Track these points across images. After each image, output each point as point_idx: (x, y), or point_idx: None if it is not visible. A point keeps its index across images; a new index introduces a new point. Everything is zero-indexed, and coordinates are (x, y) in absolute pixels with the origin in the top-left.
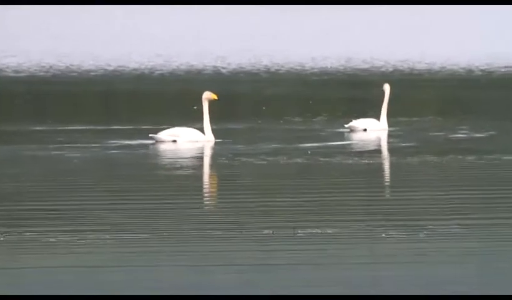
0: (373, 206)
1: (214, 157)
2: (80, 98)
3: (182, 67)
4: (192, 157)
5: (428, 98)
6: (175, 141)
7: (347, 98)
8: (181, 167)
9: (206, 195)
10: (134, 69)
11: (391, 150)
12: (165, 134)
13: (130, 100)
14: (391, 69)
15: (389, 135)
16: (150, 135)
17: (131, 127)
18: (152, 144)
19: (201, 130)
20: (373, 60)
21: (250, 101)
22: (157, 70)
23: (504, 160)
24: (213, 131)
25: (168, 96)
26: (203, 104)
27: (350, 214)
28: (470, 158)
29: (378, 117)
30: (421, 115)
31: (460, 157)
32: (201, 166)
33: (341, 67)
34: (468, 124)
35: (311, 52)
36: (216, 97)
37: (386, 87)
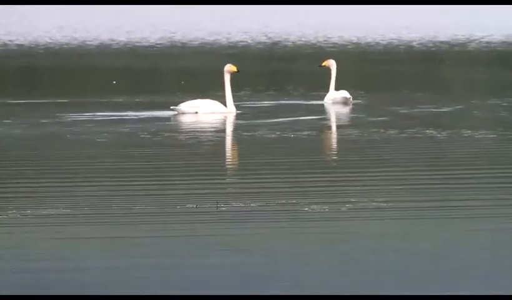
0: (316, 185)
1: (236, 129)
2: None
3: (94, 43)
4: (213, 129)
5: (360, 71)
6: (196, 113)
7: (269, 71)
8: (201, 138)
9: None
10: (38, 45)
11: (363, 124)
12: (186, 106)
13: (48, 76)
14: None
15: (355, 109)
16: (171, 107)
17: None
18: (174, 115)
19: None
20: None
21: (163, 75)
22: (63, 44)
23: (470, 137)
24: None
25: (85, 71)
26: (225, 76)
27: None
28: (435, 134)
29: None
30: (365, 89)
31: (431, 131)
32: (220, 138)
33: (255, 41)
34: (427, 98)
35: (226, 25)
36: (236, 70)
37: (332, 63)
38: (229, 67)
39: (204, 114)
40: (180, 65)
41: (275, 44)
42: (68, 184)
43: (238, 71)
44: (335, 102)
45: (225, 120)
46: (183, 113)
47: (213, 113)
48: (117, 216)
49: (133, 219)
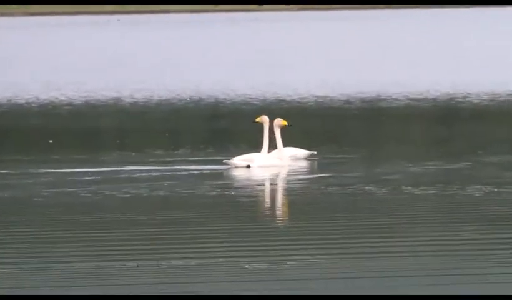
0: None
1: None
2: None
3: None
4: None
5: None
6: (248, 167)
7: (208, 129)
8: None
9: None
10: None
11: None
12: (238, 160)
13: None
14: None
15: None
16: (223, 160)
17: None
18: (226, 169)
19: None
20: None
21: (97, 133)
22: None
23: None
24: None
25: (22, 131)
26: (275, 130)
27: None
28: (375, 190)
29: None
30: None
31: (373, 188)
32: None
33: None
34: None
35: (160, 83)
36: (286, 123)
37: (265, 119)
38: (279, 122)
39: (257, 167)
40: (113, 124)
41: (212, 101)
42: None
43: (290, 125)
44: (297, 158)
45: (276, 175)
46: (235, 167)
47: (266, 167)
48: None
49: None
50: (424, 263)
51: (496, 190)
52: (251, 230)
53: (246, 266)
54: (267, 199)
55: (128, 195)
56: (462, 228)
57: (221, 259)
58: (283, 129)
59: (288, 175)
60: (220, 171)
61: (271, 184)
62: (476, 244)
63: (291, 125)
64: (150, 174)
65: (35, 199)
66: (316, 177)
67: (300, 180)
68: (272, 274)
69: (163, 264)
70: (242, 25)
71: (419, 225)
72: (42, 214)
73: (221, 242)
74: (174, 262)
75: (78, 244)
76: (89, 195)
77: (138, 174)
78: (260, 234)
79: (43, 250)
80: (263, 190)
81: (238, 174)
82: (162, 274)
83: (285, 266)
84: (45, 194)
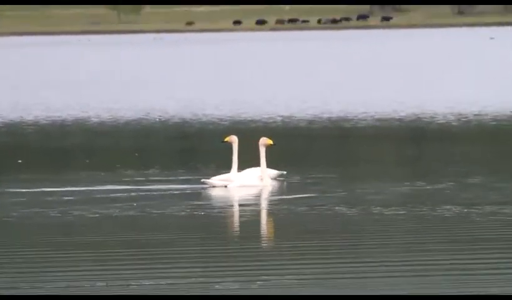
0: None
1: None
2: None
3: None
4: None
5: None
6: (226, 187)
7: (177, 150)
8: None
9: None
10: None
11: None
12: (217, 179)
13: None
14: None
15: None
16: (202, 180)
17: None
18: (203, 189)
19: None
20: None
21: (67, 153)
22: None
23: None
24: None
25: None
26: (260, 149)
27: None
28: (345, 211)
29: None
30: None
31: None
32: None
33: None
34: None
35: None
36: (272, 143)
37: (234, 139)
38: (265, 141)
39: (235, 187)
40: (81, 144)
41: (180, 121)
42: None
43: (274, 144)
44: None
45: (252, 195)
46: (213, 186)
47: (245, 187)
48: None
49: None
50: (395, 284)
51: (465, 210)
52: (222, 251)
53: (217, 287)
54: (240, 220)
55: (97, 216)
56: (433, 248)
57: (192, 279)
58: (268, 148)
59: (262, 195)
60: (198, 191)
61: (245, 205)
62: (446, 265)
63: (275, 145)
64: (120, 194)
65: (4, 219)
66: (288, 198)
67: (272, 200)
68: (243, 295)
69: (132, 284)
70: (211, 45)
71: (389, 246)
72: (10, 234)
73: (192, 263)
74: (144, 282)
75: (47, 264)
76: (59, 215)
77: (107, 194)
78: (231, 254)
79: (11, 271)
80: (236, 211)
81: (215, 194)
82: (132, 293)
83: (256, 287)
84: (14, 214)
